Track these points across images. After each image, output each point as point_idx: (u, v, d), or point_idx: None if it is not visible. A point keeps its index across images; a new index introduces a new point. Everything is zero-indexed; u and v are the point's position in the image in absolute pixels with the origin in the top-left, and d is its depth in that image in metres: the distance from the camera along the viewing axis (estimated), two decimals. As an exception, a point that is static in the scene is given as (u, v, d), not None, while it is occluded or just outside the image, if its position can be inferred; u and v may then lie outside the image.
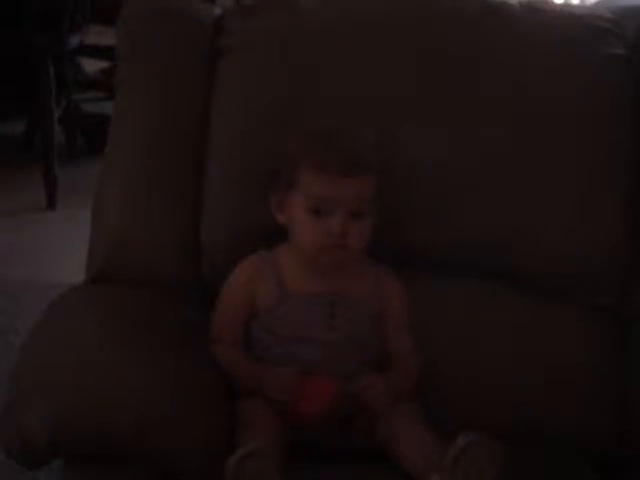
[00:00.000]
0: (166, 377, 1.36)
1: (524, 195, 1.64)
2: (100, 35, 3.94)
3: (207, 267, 1.64)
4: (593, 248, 1.65)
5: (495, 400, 1.61)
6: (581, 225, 1.65)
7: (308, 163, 1.50)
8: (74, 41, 3.77)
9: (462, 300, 1.66)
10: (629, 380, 1.64)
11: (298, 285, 1.54)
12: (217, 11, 1.75)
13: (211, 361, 1.48)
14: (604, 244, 1.65)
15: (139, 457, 1.32)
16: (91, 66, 4.36)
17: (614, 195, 1.66)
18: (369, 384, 1.46)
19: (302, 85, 1.64)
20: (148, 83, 1.68)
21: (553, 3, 1.95)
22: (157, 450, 1.32)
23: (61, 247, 3.10)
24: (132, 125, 1.67)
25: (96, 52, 4.18)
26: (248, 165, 1.61)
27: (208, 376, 1.44)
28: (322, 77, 1.64)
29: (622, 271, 1.66)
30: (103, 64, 4.23)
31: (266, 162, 1.57)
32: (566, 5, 2.23)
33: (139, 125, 1.66)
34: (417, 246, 1.66)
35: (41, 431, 1.29)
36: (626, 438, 1.62)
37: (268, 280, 1.55)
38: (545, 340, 1.64)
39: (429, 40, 1.67)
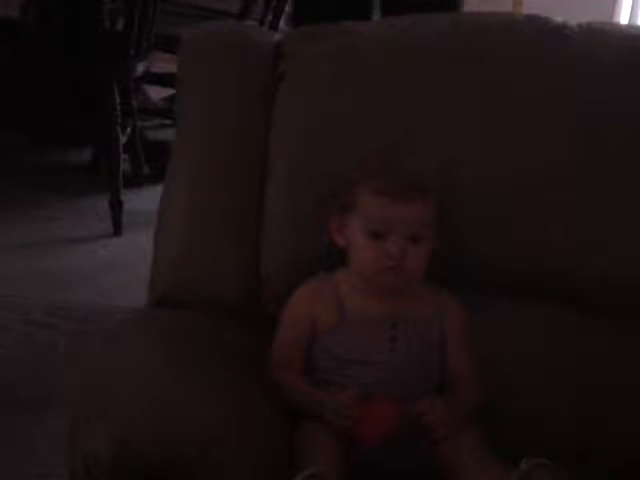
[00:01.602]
0: (229, 402, 1.37)
1: (590, 216, 1.62)
2: (165, 63, 3.99)
3: (267, 292, 1.64)
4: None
5: (560, 428, 1.59)
6: (638, 245, 1.62)
7: (368, 185, 1.51)
8: (139, 69, 3.81)
9: (527, 326, 1.64)
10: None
11: (358, 308, 1.54)
12: (277, 37, 1.77)
13: (272, 386, 1.49)
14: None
15: (201, 482, 1.33)
16: (156, 94, 4.41)
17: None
18: (430, 408, 1.45)
19: (362, 110, 1.65)
20: (208, 110, 1.69)
21: (613, 24, 1.93)
22: (221, 475, 1.32)
23: (126, 272, 3.13)
24: (193, 152, 1.69)
25: (161, 80, 4.22)
26: (308, 189, 1.62)
27: (270, 401, 1.44)
28: (383, 102, 1.65)
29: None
30: (168, 91, 4.28)
31: (326, 186, 1.58)
32: (627, 26, 2.20)
33: (200, 152, 1.68)
34: (481, 270, 1.65)
35: (105, 455, 1.30)
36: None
37: (328, 303, 1.55)
38: (613, 365, 1.62)
39: (489, 69, 1.66)
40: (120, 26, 3.63)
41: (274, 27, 3.88)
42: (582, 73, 1.66)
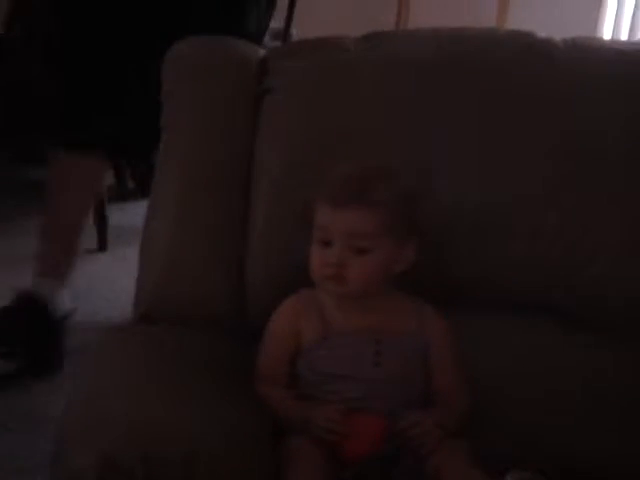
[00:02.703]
0: (214, 415, 1.36)
1: (571, 229, 1.62)
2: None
3: (252, 304, 1.64)
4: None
5: (546, 439, 1.59)
6: (631, 259, 1.62)
7: (320, 194, 1.52)
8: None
9: (510, 338, 1.64)
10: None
11: (342, 323, 1.54)
12: (261, 52, 1.77)
13: (257, 401, 1.48)
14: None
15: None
16: (141, 109, 4.41)
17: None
18: (416, 422, 1.45)
19: (347, 123, 1.65)
20: (194, 123, 1.69)
21: (597, 39, 1.94)
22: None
23: (112, 287, 3.12)
24: (178, 165, 1.69)
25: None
26: (292, 202, 1.62)
27: (255, 414, 1.44)
28: (367, 115, 1.65)
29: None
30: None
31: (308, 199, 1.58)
32: (612, 41, 2.22)
33: (185, 165, 1.68)
34: (462, 283, 1.65)
35: (90, 473, 1.29)
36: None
37: (312, 318, 1.55)
38: (599, 379, 1.62)
39: (472, 78, 1.67)
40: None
41: (258, 43, 3.89)
42: (566, 89, 1.67)
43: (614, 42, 2.31)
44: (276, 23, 3.57)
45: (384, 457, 1.43)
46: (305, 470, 1.37)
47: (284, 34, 3.63)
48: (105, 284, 3.19)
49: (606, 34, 4.05)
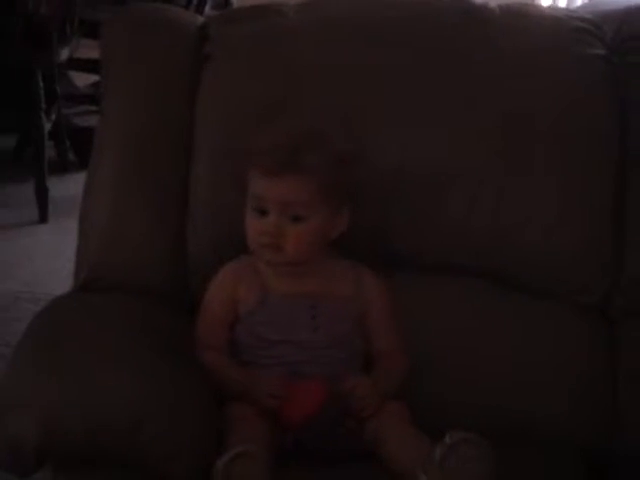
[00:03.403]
0: (155, 384, 1.36)
1: (508, 195, 1.64)
2: (90, 49, 3.94)
3: (193, 273, 1.64)
4: (579, 248, 1.65)
5: (484, 399, 1.62)
6: (566, 225, 1.65)
7: (251, 162, 1.51)
8: (64, 55, 3.78)
9: (449, 301, 1.66)
10: (617, 378, 1.64)
11: (279, 288, 1.55)
12: (200, 19, 1.76)
13: (199, 367, 1.48)
14: (590, 244, 1.66)
15: (129, 462, 1.33)
16: (81, 80, 4.37)
17: (600, 195, 1.67)
18: (355, 385, 1.46)
19: (285, 89, 1.65)
20: (132, 91, 1.68)
21: (533, 6, 1.96)
22: (148, 455, 1.32)
23: (53, 259, 3.10)
24: (117, 133, 1.68)
25: (87, 66, 4.18)
26: (232, 170, 1.61)
27: (197, 381, 1.44)
28: (305, 81, 1.65)
29: (607, 271, 1.66)
30: (93, 78, 4.23)
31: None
32: (546, 8, 2.24)
33: (124, 133, 1.67)
34: (403, 250, 1.66)
35: (30, 438, 1.29)
36: (616, 436, 1.62)
37: (250, 284, 1.55)
38: (533, 339, 1.65)
39: (409, 45, 1.68)
40: (44, 10, 3.58)
41: (200, 12, 3.86)
42: (501, 57, 1.68)
43: (551, 9, 2.33)
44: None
45: (324, 421, 1.44)
46: (247, 434, 1.38)
47: (224, 3, 3.61)
48: (46, 255, 3.17)
49: (544, 1, 4.06)
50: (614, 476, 1.58)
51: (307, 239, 1.51)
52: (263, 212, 1.51)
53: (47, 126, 3.62)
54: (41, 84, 3.50)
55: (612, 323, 1.68)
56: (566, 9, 2.66)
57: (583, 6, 2.67)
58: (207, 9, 4.02)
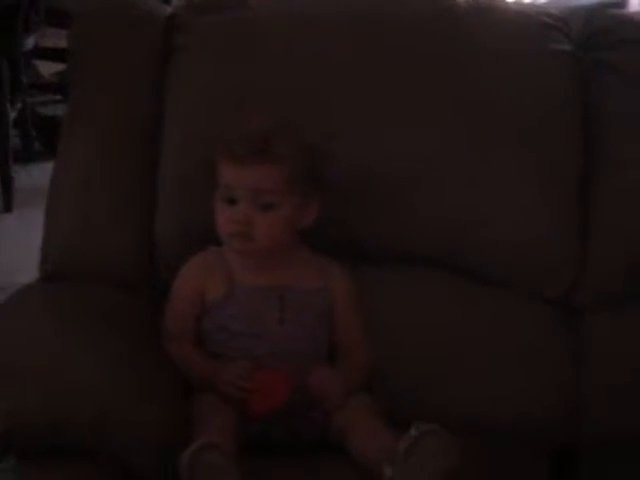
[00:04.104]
0: (122, 372, 1.36)
1: (474, 189, 1.65)
2: (56, 37, 3.92)
3: (160, 264, 1.64)
4: (543, 240, 1.67)
5: (448, 391, 1.62)
6: (531, 218, 1.67)
7: (220, 151, 1.51)
8: (29, 43, 3.75)
9: (417, 295, 1.67)
10: (580, 370, 1.66)
11: (246, 280, 1.54)
12: (168, 9, 1.76)
13: (166, 358, 1.49)
14: (554, 236, 1.67)
15: (94, 452, 1.32)
16: (47, 69, 4.34)
17: (564, 187, 1.68)
18: (322, 378, 1.47)
19: (254, 80, 1.65)
20: (100, 81, 1.68)
21: (500, 1, 1.97)
22: (113, 444, 1.32)
23: (18, 249, 3.08)
24: (84, 123, 1.67)
25: (52, 54, 4.15)
26: (199, 161, 1.61)
27: (164, 371, 1.44)
28: (273, 72, 1.65)
29: (572, 263, 1.68)
30: (59, 67, 4.21)
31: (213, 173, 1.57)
32: (514, 3, 2.25)
33: (91, 123, 1.66)
34: (369, 242, 1.67)
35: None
36: (578, 431, 1.64)
37: (217, 275, 1.55)
38: (497, 331, 1.66)
39: (376, 39, 1.68)
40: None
41: (167, 3, 3.84)
42: (468, 53, 1.69)
43: (518, 4, 2.34)
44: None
45: (290, 413, 1.45)
46: (213, 425, 1.38)
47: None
48: (10, 245, 3.15)
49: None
50: (576, 470, 1.58)
51: (277, 228, 1.51)
52: (232, 201, 1.50)
53: (12, 115, 3.59)
54: (6, 72, 3.47)
55: (576, 314, 1.69)
56: (533, 4, 2.67)
57: (549, 2, 2.69)
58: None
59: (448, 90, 1.68)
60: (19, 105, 3.75)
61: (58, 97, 4.35)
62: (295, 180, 1.50)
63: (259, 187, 1.49)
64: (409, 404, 1.58)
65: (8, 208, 3.50)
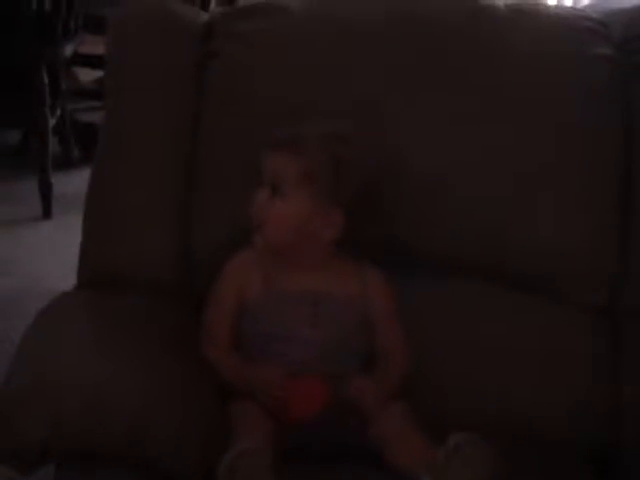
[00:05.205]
0: (160, 380, 1.36)
1: (516, 194, 1.65)
2: (95, 44, 3.94)
3: (198, 271, 1.64)
4: (585, 247, 1.65)
5: (489, 399, 1.62)
6: (573, 224, 1.65)
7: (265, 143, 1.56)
8: (68, 50, 3.78)
9: (456, 299, 1.66)
10: (622, 379, 1.64)
11: (283, 282, 1.55)
12: (206, 16, 1.76)
13: (205, 364, 1.49)
14: (597, 243, 1.66)
15: (133, 460, 1.32)
16: (86, 75, 4.37)
17: (606, 191, 1.67)
18: (358, 385, 1.46)
19: (291, 87, 1.65)
20: (137, 88, 1.68)
21: (540, 5, 1.96)
22: (151, 452, 1.32)
23: (56, 255, 3.10)
24: (121, 130, 1.67)
25: (91, 61, 4.18)
26: (238, 167, 1.62)
27: (202, 379, 1.44)
28: (311, 79, 1.65)
29: (614, 270, 1.66)
30: (97, 73, 4.24)
31: (255, 163, 1.58)
32: (553, 7, 2.24)
33: (129, 130, 1.67)
34: (410, 246, 1.66)
35: (35, 434, 1.29)
36: (620, 437, 1.62)
37: (255, 276, 1.55)
38: (538, 339, 1.65)
39: (419, 44, 1.68)
40: (48, 6, 3.58)
41: (205, 9, 3.86)
42: (508, 56, 1.68)
43: (558, 8, 2.33)
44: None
45: (326, 421, 1.44)
46: (251, 432, 1.38)
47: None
48: (49, 251, 3.17)
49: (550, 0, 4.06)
50: (618, 476, 1.58)
51: (284, 221, 1.53)
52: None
53: (51, 121, 3.62)
54: (46, 80, 3.49)
55: (617, 322, 1.67)
56: (573, 8, 2.65)
57: (590, 5, 2.67)
58: (212, 5, 4.01)
59: (485, 95, 1.67)
60: (58, 112, 3.77)
61: (97, 104, 4.36)
62: (311, 177, 1.51)
63: (276, 173, 1.53)
64: (445, 412, 1.57)
65: (47, 215, 3.52)
